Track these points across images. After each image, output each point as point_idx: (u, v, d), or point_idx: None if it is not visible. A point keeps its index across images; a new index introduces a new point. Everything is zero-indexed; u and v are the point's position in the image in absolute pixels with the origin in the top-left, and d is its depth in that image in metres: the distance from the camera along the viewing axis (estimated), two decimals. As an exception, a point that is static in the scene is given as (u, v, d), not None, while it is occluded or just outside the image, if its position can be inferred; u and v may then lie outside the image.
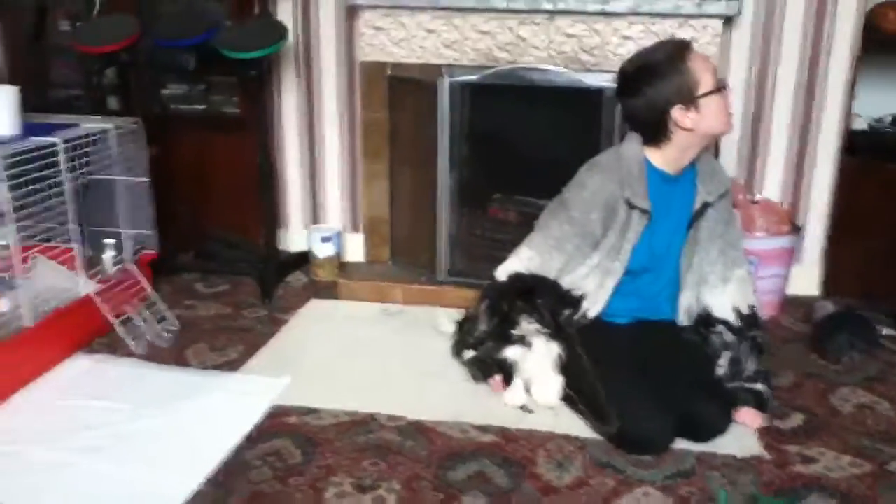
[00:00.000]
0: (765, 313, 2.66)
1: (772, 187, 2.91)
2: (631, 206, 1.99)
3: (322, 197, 3.23)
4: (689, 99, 1.92)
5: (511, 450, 1.87)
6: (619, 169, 2.01)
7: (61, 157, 2.22)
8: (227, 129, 3.12)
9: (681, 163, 2.03)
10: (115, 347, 2.34)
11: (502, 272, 2.10)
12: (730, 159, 2.87)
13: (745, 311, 2.08)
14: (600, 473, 1.78)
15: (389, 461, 1.81)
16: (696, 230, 2.09)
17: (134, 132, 2.54)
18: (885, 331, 2.48)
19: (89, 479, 1.72)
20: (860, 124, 2.88)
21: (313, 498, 1.67)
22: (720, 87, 1.95)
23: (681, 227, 2.09)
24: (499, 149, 2.89)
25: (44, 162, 2.19)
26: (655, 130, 1.98)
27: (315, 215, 3.25)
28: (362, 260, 3.11)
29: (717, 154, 2.76)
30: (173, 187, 3.05)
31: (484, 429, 1.95)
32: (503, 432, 1.94)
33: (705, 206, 2.07)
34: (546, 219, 2.10)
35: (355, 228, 3.19)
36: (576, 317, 2.06)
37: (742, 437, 1.92)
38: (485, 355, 2.12)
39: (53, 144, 2.20)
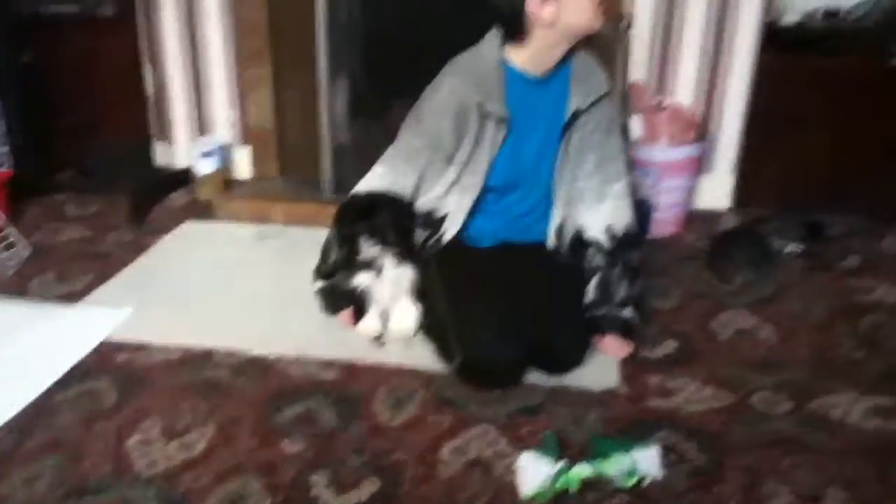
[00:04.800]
0: (667, 230, 2.50)
1: (684, 91, 2.67)
2: (484, 114, 1.78)
3: (209, 107, 2.98)
4: None
5: (351, 387, 1.72)
6: (475, 71, 1.79)
7: None
8: (103, 32, 2.85)
9: (544, 64, 1.80)
10: (-49, 277, 2.16)
11: (353, 191, 1.91)
12: (639, 59, 2.62)
13: (618, 231, 1.89)
14: (439, 411, 1.64)
15: (212, 402, 1.66)
16: (568, 141, 1.88)
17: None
18: (789, 248, 2.31)
19: None
20: (791, 19, 2.62)
21: (113, 446, 1.52)
22: None
23: (553, 137, 1.88)
24: (398, 52, 2.63)
25: None
26: (512, 24, 1.74)
27: (202, 128, 3.01)
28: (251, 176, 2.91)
29: (626, 53, 2.52)
30: (52, 99, 2.81)
31: (328, 364, 1.80)
32: (348, 368, 1.79)
33: (577, 113, 1.85)
34: (401, 130, 1.89)
35: (245, 141, 2.96)
36: (431, 240, 1.88)
37: (602, 368, 1.77)
38: (335, 285, 1.94)
39: None
